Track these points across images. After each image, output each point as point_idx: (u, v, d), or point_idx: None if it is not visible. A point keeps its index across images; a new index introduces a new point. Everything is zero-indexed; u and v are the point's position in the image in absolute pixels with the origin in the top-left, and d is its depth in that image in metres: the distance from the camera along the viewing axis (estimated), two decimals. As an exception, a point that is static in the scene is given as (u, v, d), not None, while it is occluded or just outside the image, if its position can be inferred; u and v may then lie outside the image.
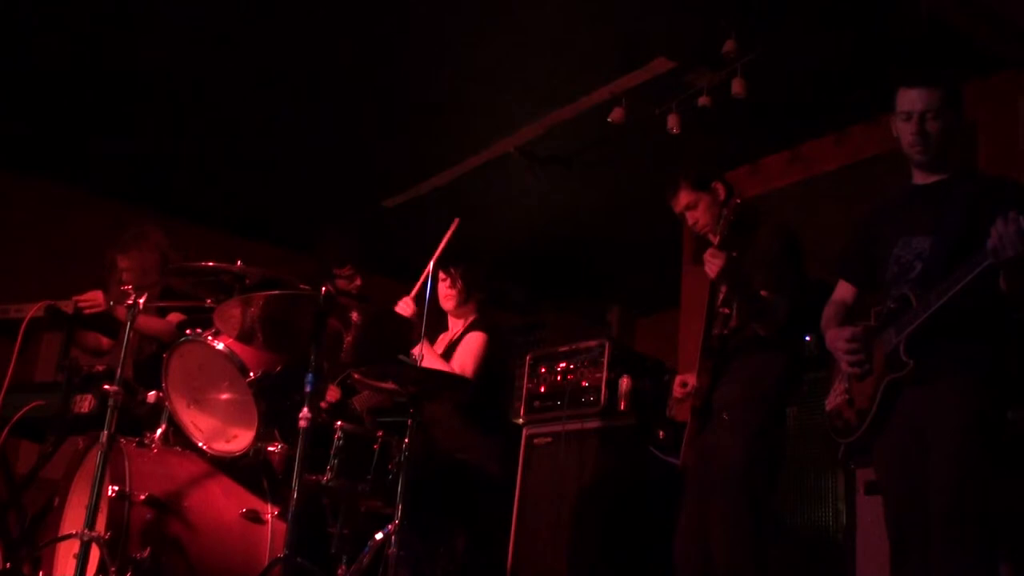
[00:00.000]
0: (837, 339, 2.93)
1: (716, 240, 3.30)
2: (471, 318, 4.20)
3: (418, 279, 3.95)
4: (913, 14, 4.22)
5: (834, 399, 3.00)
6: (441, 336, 4.32)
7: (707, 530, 3.28)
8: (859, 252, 3.10)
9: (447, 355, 4.09)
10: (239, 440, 3.35)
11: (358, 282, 4.32)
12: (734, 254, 3.21)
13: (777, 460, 3.41)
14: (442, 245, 4.00)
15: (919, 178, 2.96)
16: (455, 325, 4.27)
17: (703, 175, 3.59)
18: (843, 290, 3.14)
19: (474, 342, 4.04)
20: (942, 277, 2.68)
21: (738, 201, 3.33)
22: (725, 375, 3.40)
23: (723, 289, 3.43)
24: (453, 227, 4.00)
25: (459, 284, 4.13)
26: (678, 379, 3.63)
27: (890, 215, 3.01)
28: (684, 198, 3.58)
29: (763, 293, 3.33)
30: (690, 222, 3.60)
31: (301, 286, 3.22)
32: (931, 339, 2.70)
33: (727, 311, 3.41)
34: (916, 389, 2.74)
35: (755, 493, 3.26)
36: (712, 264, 3.22)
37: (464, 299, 4.17)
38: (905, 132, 2.88)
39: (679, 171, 3.62)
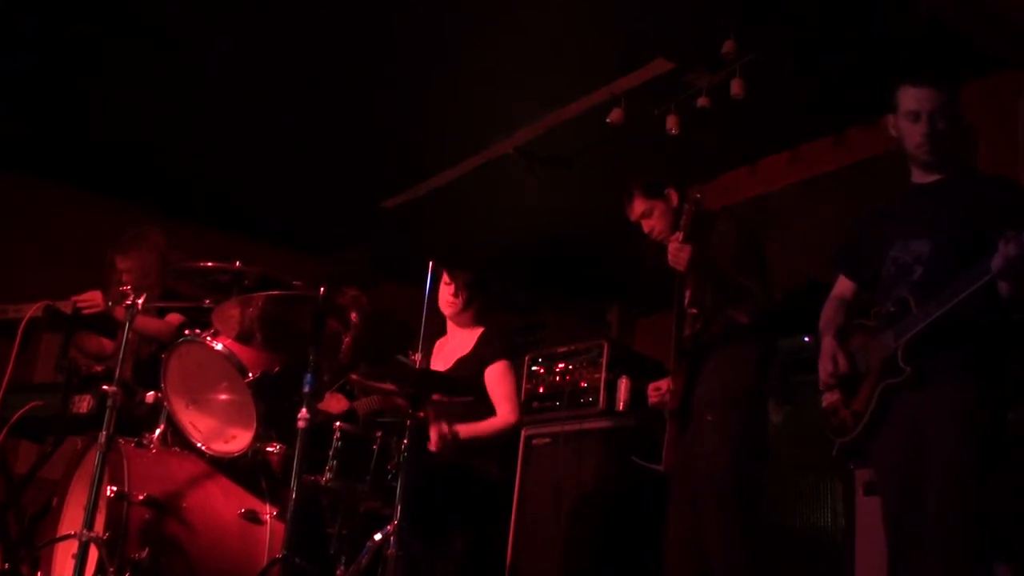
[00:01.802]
0: (824, 360, 2.95)
1: (680, 236, 3.30)
2: (477, 331, 4.17)
3: (419, 281, 3.93)
4: (913, 14, 4.21)
5: (830, 396, 3.00)
6: (439, 343, 4.29)
7: (700, 534, 3.26)
8: (858, 248, 3.09)
9: (457, 369, 4.07)
10: (238, 440, 3.35)
11: (363, 300, 4.31)
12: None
13: (762, 452, 3.40)
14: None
15: (918, 177, 2.95)
16: (457, 334, 4.22)
17: (655, 182, 3.60)
18: (842, 286, 3.14)
19: (503, 377, 4.03)
20: (943, 281, 2.67)
21: (698, 196, 3.34)
22: (701, 375, 3.39)
23: (688, 291, 3.43)
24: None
25: (463, 293, 4.12)
26: (651, 386, 3.57)
27: (888, 215, 3.01)
28: (639, 206, 3.59)
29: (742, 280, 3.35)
30: (646, 229, 3.62)
31: (295, 283, 3.22)
32: (929, 345, 2.69)
33: (694, 311, 3.41)
34: (913, 393, 2.73)
35: (746, 492, 3.25)
36: (679, 256, 3.23)
37: (465, 307, 4.16)
38: (913, 132, 2.85)
39: (631, 181, 3.63)
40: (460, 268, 4.12)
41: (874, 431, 2.83)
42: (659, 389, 3.52)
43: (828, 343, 2.98)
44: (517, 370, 4.86)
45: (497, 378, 4.03)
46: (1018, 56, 4.60)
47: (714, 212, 3.58)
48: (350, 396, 4.32)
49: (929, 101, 2.82)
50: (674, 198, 3.56)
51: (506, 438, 4.08)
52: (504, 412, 3.98)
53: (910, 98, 2.86)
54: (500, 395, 4.00)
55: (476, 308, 4.20)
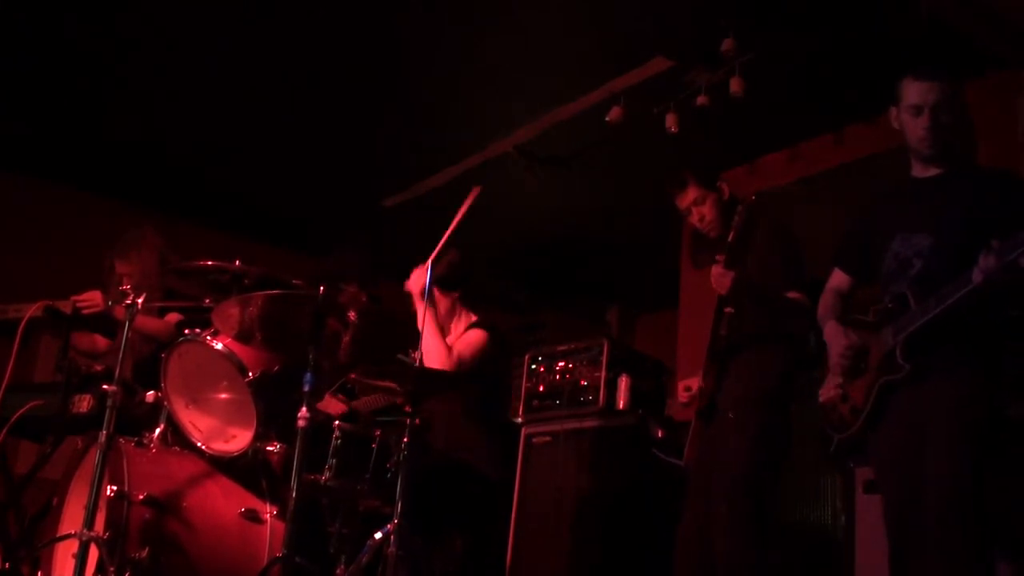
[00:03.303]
0: (835, 339, 2.93)
1: (723, 249, 3.30)
2: (466, 318, 4.18)
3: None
4: (913, 14, 4.21)
5: (827, 392, 3.00)
6: None
7: (709, 533, 3.27)
8: (857, 242, 3.10)
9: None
10: (238, 440, 3.36)
11: (363, 299, 4.31)
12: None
13: (781, 456, 3.41)
14: (460, 214, 3.93)
15: (918, 170, 2.94)
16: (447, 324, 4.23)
17: (710, 173, 3.61)
18: (838, 279, 3.14)
19: (474, 337, 3.99)
20: (942, 277, 2.67)
21: (752, 201, 3.33)
22: (728, 374, 3.41)
23: None
24: (472, 196, 3.95)
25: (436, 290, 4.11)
26: (681, 384, 3.62)
27: (888, 209, 3.00)
28: (692, 193, 3.58)
29: (791, 295, 3.35)
30: (695, 217, 3.60)
31: (295, 281, 3.22)
32: (928, 342, 2.70)
33: (730, 311, 3.42)
34: (911, 389, 2.73)
35: (759, 495, 3.26)
36: (722, 282, 3.26)
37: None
38: (915, 126, 2.84)
39: (685, 167, 3.62)
40: (440, 261, 4.10)
41: (872, 427, 2.83)
42: (689, 388, 3.54)
43: (834, 326, 2.98)
44: (516, 369, 4.86)
45: (470, 336, 3.96)
46: (1018, 56, 4.60)
47: (756, 214, 3.55)
48: (351, 396, 4.32)
49: (932, 95, 2.81)
50: (726, 191, 3.57)
51: (454, 385, 3.85)
52: (450, 355, 3.85)
53: (913, 92, 2.84)
54: (463, 345, 3.90)
55: (458, 297, 4.18)
